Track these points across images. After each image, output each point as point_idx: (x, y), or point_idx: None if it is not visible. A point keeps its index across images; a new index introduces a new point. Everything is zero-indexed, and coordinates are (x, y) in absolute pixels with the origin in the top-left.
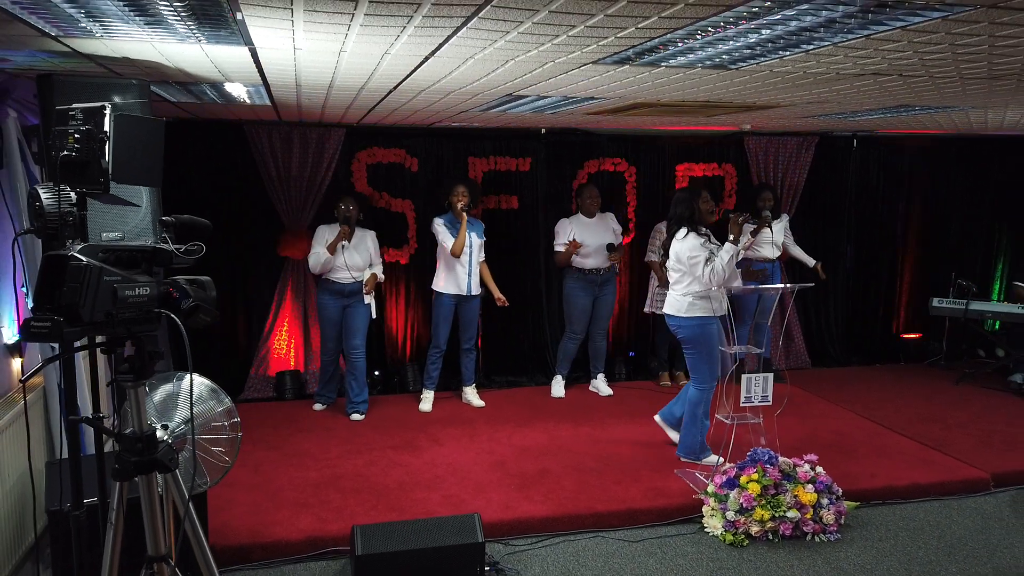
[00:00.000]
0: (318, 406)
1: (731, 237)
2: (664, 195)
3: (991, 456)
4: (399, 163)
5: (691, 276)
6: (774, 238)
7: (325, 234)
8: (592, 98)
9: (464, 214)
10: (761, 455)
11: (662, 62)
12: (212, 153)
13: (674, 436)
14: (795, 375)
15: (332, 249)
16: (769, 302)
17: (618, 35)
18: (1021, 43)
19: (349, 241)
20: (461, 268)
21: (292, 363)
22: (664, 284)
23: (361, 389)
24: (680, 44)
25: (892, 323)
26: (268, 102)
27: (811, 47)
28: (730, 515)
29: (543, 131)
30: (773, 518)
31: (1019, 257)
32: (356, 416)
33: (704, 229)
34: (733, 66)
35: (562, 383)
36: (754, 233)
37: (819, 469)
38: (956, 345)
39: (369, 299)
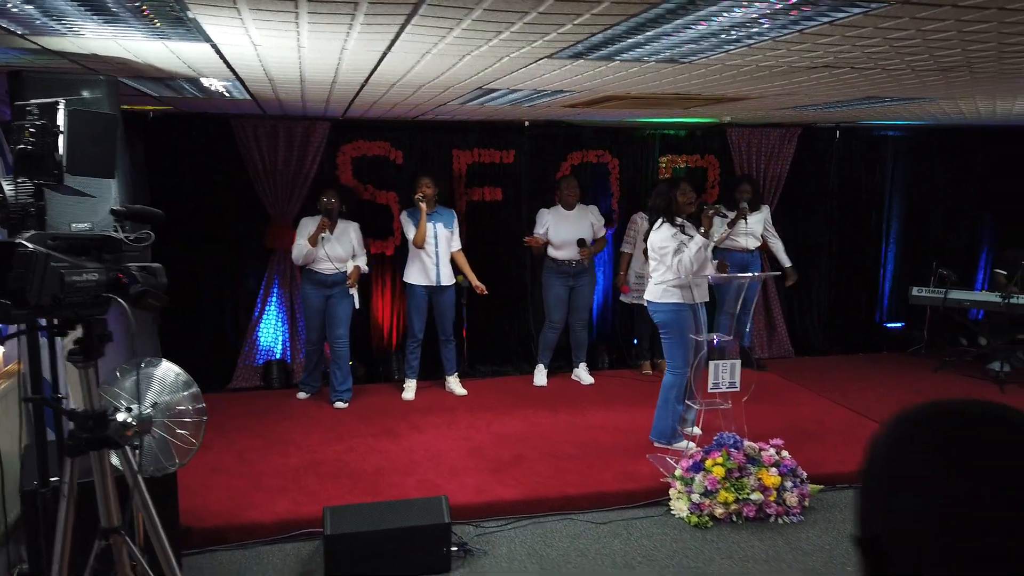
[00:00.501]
0: (302, 395)
1: (701, 230)
2: (648, 187)
3: None
4: (384, 156)
5: (664, 265)
6: (751, 229)
7: (308, 226)
8: (562, 91)
9: (423, 205)
10: (727, 440)
11: (616, 56)
12: (198, 146)
13: (681, 445)
14: (778, 364)
15: (314, 241)
16: (751, 291)
17: (559, 31)
18: (953, 37)
19: (331, 232)
20: (428, 259)
21: (279, 353)
22: (627, 275)
23: (345, 378)
24: (626, 39)
25: (875, 312)
26: (248, 96)
27: (752, 41)
28: (695, 497)
29: (527, 124)
30: (737, 500)
31: (1004, 246)
32: (340, 404)
33: (680, 220)
34: (684, 60)
35: (544, 372)
36: (731, 224)
37: (784, 453)
38: (938, 334)
39: (352, 290)
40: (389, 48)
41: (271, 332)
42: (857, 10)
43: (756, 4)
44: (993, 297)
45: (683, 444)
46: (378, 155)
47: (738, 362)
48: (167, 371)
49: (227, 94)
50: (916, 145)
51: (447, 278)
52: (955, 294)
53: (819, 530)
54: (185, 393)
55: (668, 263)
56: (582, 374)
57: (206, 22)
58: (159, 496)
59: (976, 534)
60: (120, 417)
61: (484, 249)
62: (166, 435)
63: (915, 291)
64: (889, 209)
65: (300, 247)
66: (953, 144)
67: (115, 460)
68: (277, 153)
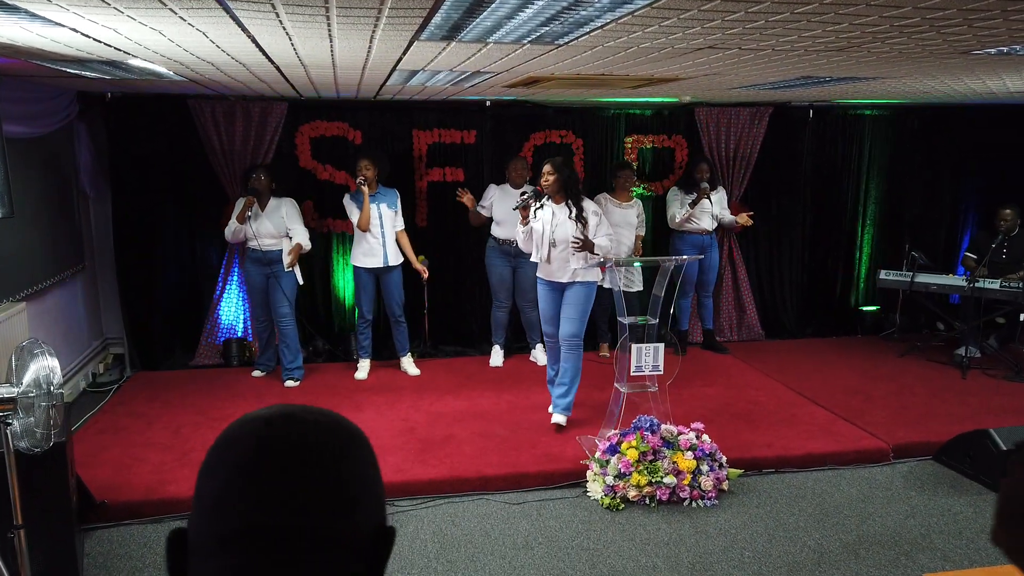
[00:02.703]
0: (257, 373)
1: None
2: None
3: (900, 428)
4: (342, 136)
5: None
6: (712, 209)
7: (241, 204)
8: (480, 72)
9: (365, 188)
10: (643, 423)
11: (488, 38)
12: (158, 127)
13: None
14: (745, 347)
15: (241, 218)
16: (707, 275)
17: (403, 16)
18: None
19: (263, 210)
20: (374, 239)
21: (240, 331)
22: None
23: (295, 356)
24: (469, 20)
25: (850, 295)
26: (184, 78)
27: (601, 21)
28: (609, 480)
29: (488, 103)
30: (650, 483)
31: (983, 228)
32: (290, 383)
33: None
34: (555, 41)
35: (500, 352)
36: (692, 204)
37: (705, 437)
38: (916, 318)
39: (294, 267)
40: (253, 39)
41: (232, 310)
42: None
43: None
44: (959, 281)
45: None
46: (336, 135)
47: (661, 345)
48: (43, 365)
49: (173, 76)
50: (896, 124)
51: (394, 258)
52: (921, 277)
53: (730, 514)
54: (54, 377)
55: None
56: (539, 355)
57: (41, 10)
58: (51, 471)
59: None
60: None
61: (446, 230)
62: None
63: (882, 274)
64: (866, 190)
65: (230, 225)
66: (935, 124)
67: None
68: (235, 134)
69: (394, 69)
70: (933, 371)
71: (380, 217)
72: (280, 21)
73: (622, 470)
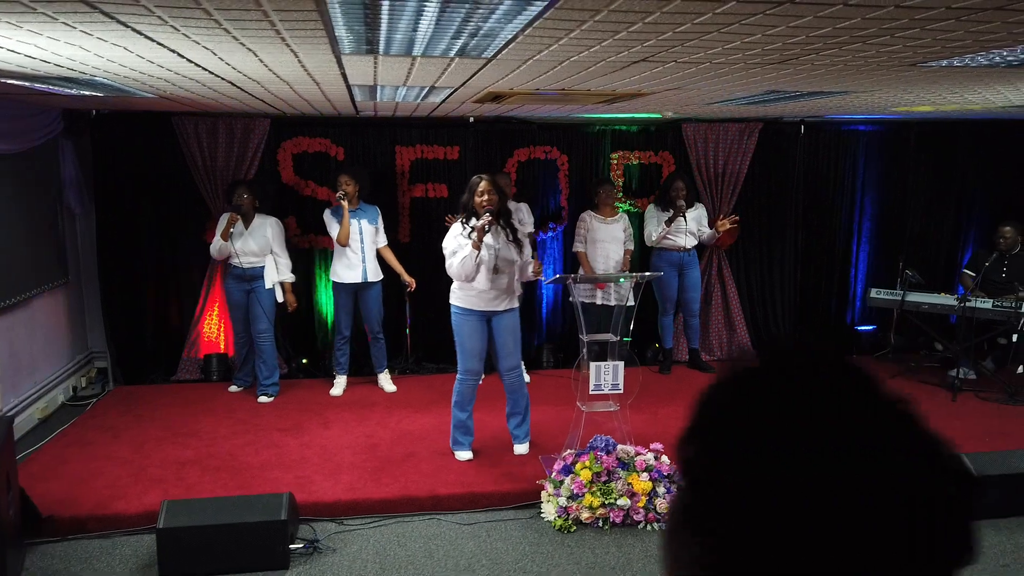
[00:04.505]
0: (234, 388)
1: (474, 239)
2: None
3: None
4: (324, 152)
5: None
6: (688, 227)
7: (225, 222)
8: (436, 88)
9: (345, 203)
10: (598, 442)
11: (411, 51)
12: (143, 143)
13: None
14: None
15: (225, 235)
16: (687, 292)
17: (300, 27)
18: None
19: (247, 228)
20: (354, 255)
21: (221, 346)
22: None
23: (271, 372)
24: (380, 34)
25: (847, 314)
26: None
27: (506, 34)
28: (562, 501)
29: (471, 119)
30: (604, 505)
31: (984, 247)
32: (263, 399)
33: (474, 222)
34: (482, 55)
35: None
36: (668, 223)
37: (663, 458)
38: (913, 338)
39: (270, 283)
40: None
41: (213, 326)
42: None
43: None
44: (950, 300)
45: (463, 455)
46: (319, 151)
47: (621, 363)
48: None
49: (145, 93)
50: (892, 139)
51: (373, 274)
52: (913, 296)
53: None
54: None
55: (447, 263)
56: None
57: None
58: None
59: None
60: None
61: (429, 246)
62: None
63: (874, 292)
64: (862, 207)
65: (215, 242)
66: (933, 139)
67: None
68: (217, 150)
69: (350, 85)
70: (923, 393)
71: (361, 232)
72: (184, 33)
73: (575, 491)
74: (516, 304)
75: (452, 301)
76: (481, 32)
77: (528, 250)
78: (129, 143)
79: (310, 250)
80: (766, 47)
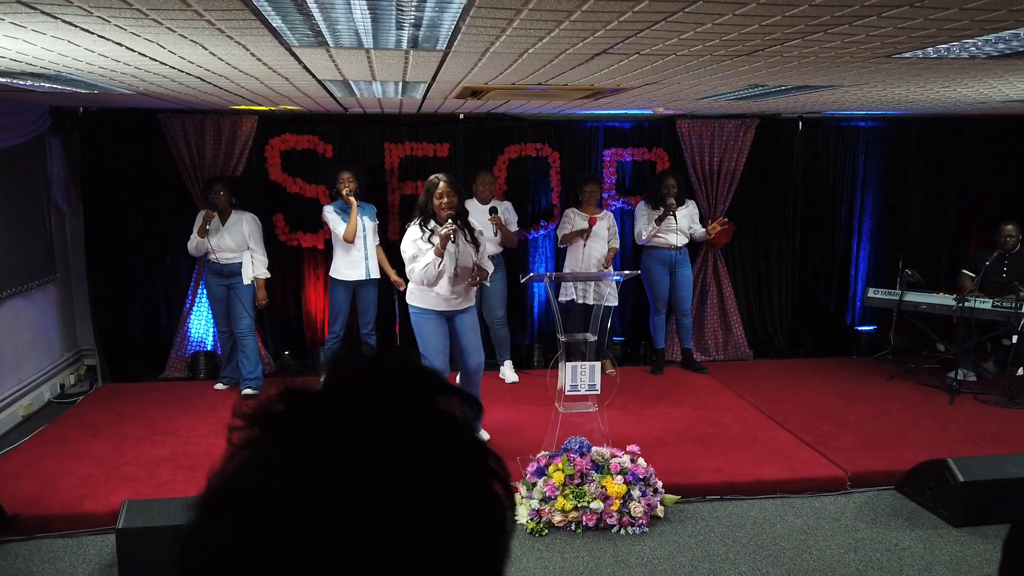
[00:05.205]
0: (219, 386)
1: (436, 246)
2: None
3: (865, 455)
4: (312, 149)
5: None
6: (678, 225)
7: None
8: (411, 83)
9: (352, 199)
10: (572, 444)
11: (363, 44)
12: (130, 141)
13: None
14: (728, 367)
15: (201, 232)
16: (679, 292)
17: (227, 16)
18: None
19: (224, 224)
20: (358, 252)
21: (209, 345)
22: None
23: (254, 366)
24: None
25: (846, 314)
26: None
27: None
28: (535, 504)
29: (461, 116)
30: (576, 508)
31: (987, 246)
32: (248, 391)
33: (432, 225)
34: (435, 48)
35: None
36: (658, 221)
37: (640, 461)
38: (915, 338)
39: (248, 279)
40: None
41: (201, 324)
42: None
43: None
44: (947, 300)
45: None
46: (307, 149)
47: (597, 364)
48: None
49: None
50: (892, 136)
51: (375, 271)
52: (911, 296)
53: (658, 543)
54: None
55: (408, 266)
56: (507, 372)
57: None
58: None
59: None
60: None
61: None
62: None
63: (871, 292)
64: (861, 204)
65: (192, 239)
66: (936, 134)
67: None
68: (205, 147)
69: (320, 80)
70: (920, 395)
71: (364, 229)
72: (117, 24)
73: (547, 494)
74: (473, 302)
75: (410, 302)
76: (424, 23)
77: (485, 249)
78: (117, 140)
79: (297, 248)
80: (724, 37)
